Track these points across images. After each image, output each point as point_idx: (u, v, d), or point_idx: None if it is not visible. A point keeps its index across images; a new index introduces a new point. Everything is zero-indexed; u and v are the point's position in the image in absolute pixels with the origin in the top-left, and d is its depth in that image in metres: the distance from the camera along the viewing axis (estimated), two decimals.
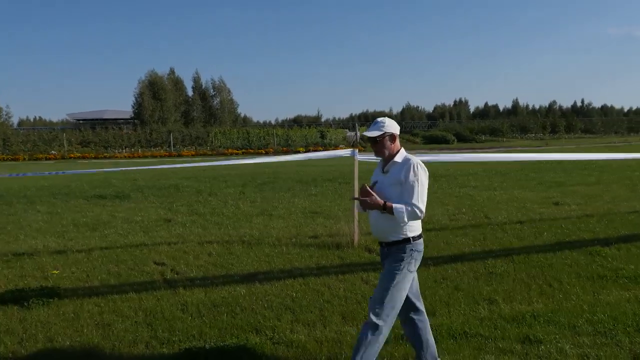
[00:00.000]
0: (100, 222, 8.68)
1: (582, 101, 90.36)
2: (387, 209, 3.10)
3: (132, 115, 60.81)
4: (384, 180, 3.26)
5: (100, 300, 5.00)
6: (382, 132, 3.23)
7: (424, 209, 3.14)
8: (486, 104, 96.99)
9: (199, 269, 5.96)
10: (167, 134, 44.21)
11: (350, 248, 6.68)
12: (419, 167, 3.16)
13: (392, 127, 3.28)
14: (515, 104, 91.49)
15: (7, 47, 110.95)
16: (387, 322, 3.14)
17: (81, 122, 63.66)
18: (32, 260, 6.29)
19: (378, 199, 3.12)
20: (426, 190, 3.18)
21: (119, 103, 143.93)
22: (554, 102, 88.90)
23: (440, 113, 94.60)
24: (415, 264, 3.26)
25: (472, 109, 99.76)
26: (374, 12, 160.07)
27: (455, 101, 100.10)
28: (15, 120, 66.34)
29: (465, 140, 48.06)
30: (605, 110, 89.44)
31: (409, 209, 3.08)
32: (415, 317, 3.41)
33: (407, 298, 3.30)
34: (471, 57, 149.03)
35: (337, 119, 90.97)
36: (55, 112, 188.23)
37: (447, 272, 5.75)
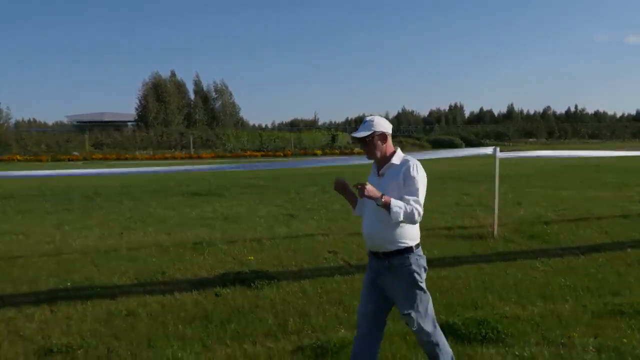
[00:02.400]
0: (231, 216, 9.25)
1: (576, 107, 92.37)
2: (384, 203, 2.80)
3: (136, 117, 60.82)
4: (380, 183, 3.00)
5: (314, 282, 5.45)
6: (371, 132, 2.98)
7: (422, 212, 2.88)
8: (481, 108, 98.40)
9: None
10: (179, 136, 44.47)
11: (492, 238, 7.26)
12: (418, 168, 2.96)
13: (383, 125, 3.03)
14: (511, 109, 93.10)
15: (7, 47, 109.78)
16: (435, 331, 3.07)
17: (76, 124, 63.33)
18: (216, 248, 6.77)
19: (375, 189, 2.82)
20: (424, 193, 2.97)
21: (116, 105, 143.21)
22: (549, 107, 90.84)
23: (436, 117, 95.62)
24: (424, 272, 3.05)
25: (467, 113, 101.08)
26: (374, 12, 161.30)
27: (450, 105, 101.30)
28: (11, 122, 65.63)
29: (472, 145, 48.98)
30: (599, 116, 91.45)
31: (408, 208, 2.83)
32: (374, 336, 3.18)
33: (380, 314, 3.13)
34: (471, 57, 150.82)
35: (333, 122, 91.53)
36: (50, 113, 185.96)
37: (599, 260, 6.29)
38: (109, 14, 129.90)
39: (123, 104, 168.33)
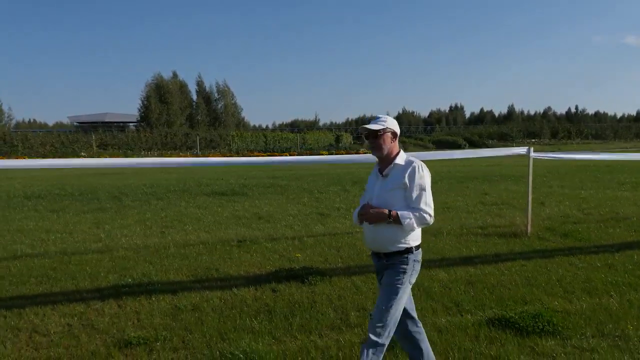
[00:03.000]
0: (264, 215, 9.42)
1: (576, 107, 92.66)
2: (392, 218, 2.88)
3: (139, 118, 60.87)
4: (383, 184, 3.03)
5: (364, 278, 5.60)
6: (384, 127, 3.04)
7: (432, 214, 2.96)
8: (482, 109, 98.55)
9: None
10: (184, 136, 44.60)
11: (526, 237, 7.44)
12: (424, 170, 2.98)
13: (394, 125, 3.11)
14: (511, 110, 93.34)
15: (7, 47, 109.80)
16: (388, 338, 2.98)
17: (77, 124, 63.40)
18: (260, 246, 6.96)
19: (381, 209, 2.93)
20: (431, 192, 3.01)
21: (116, 106, 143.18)
22: (549, 108, 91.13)
23: (436, 118, 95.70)
24: (415, 275, 3.08)
25: (467, 114, 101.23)
26: (374, 12, 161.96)
27: (450, 106, 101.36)
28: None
29: (475, 145, 49.29)
30: (600, 116, 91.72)
31: (417, 214, 2.90)
32: (413, 329, 3.23)
33: (404, 310, 3.10)
34: (471, 57, 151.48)
35: (334, 123, 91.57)
36: (50, 113, 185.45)
37: (634, 258, 6.44)
38: (109, 14, 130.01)
39: (124, 105, 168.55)
